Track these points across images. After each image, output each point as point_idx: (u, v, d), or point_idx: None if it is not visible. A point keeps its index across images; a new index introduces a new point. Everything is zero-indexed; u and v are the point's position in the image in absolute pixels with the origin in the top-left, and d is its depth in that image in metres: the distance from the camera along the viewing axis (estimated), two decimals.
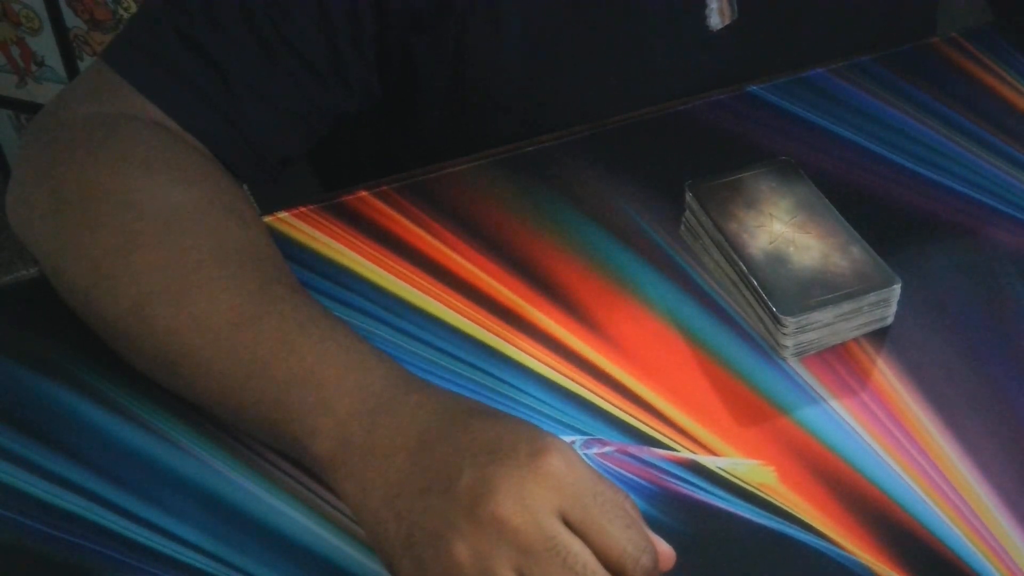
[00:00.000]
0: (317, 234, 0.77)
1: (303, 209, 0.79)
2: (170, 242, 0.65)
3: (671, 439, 0.68)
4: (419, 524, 0.54)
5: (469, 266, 0.76)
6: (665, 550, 0.56)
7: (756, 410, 0.69)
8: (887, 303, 0.72)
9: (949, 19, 1.05)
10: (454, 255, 0.76)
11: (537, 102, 0.86)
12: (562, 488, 0.54)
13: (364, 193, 0.80)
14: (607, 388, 0.70)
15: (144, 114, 0.73)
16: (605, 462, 0.66)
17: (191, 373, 0.63)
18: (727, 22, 0.84)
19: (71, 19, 1.67)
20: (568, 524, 0.54)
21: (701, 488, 0.65)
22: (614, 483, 0.56)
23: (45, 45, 1.71)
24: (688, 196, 0.77)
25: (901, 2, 0.95)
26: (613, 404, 0.69)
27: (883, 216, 0.80)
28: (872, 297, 0.71)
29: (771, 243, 0.73)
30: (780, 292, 0.70)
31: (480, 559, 0.52)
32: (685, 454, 0.67)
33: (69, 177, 0.69)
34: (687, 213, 0.77)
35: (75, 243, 0.67)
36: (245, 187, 0.76)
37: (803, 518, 0.64)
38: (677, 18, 0.85)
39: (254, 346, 0.62)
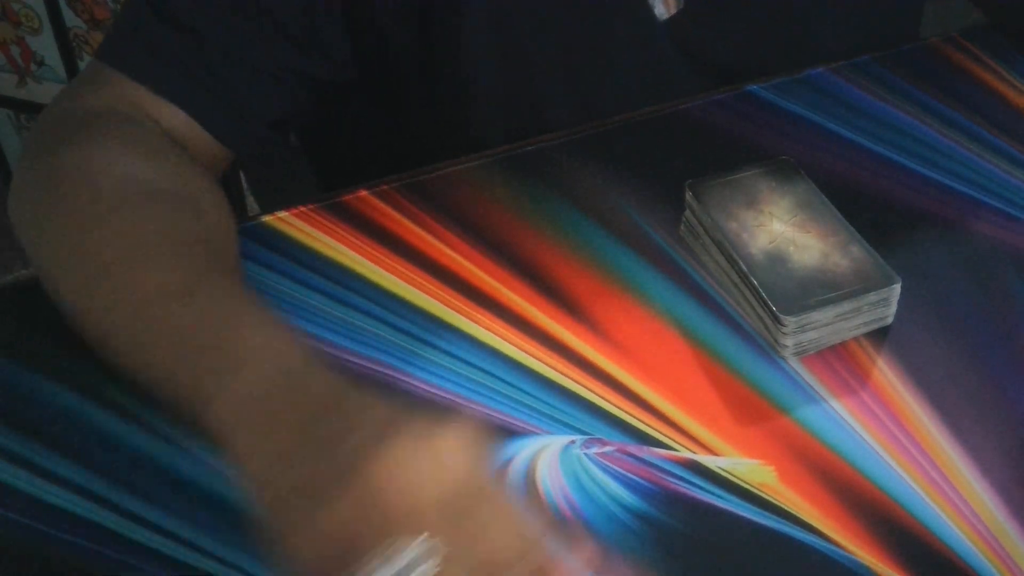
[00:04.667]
0: (317, 234, 0.77)
1: (303, 209, 0.79)
2: (117, 222, 0.66)
3: (671, 439, 0.68)
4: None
5: (469, 266, 0.76)
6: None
7: (756, 410, 0.69)
8: (887, 302, 0.72)
9: (943, 20, 1.05)
10: (454, 255, 0.76)
11: (507, 81, 0.87)
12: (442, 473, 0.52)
13: (364, 193, 0.80)
14: (607, 388, 0.70)
15: (132, 101, 0.74)
16: (605, 462, 0.66)
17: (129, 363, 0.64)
18: (673, 12, 0.85)
19: (71, 19, 1.67)
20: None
21: (701, 488, 0.65)
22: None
23: (45, 45, 1.71)
24: (688, 196, 0.77)
25: (884, 5, 0.96)
26: (613, 404, 0.69)
27: (883, 216, 0.80)
28: (872, 296, 0.71)
29: (771, 243, 0.73)
30: (780, 292, 0.70)
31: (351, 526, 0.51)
32: (685, 454, 0.67)
33: (45, 168, 0.71)
34: (687, 213, 0.77)
35: (40, 224, 0.69)
36: (221, 188, 0.75)
37: (803, 518, 0.64)
38: (635, 9, 0.85)
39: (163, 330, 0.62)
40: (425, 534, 0.50)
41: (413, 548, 0.50)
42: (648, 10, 0.85)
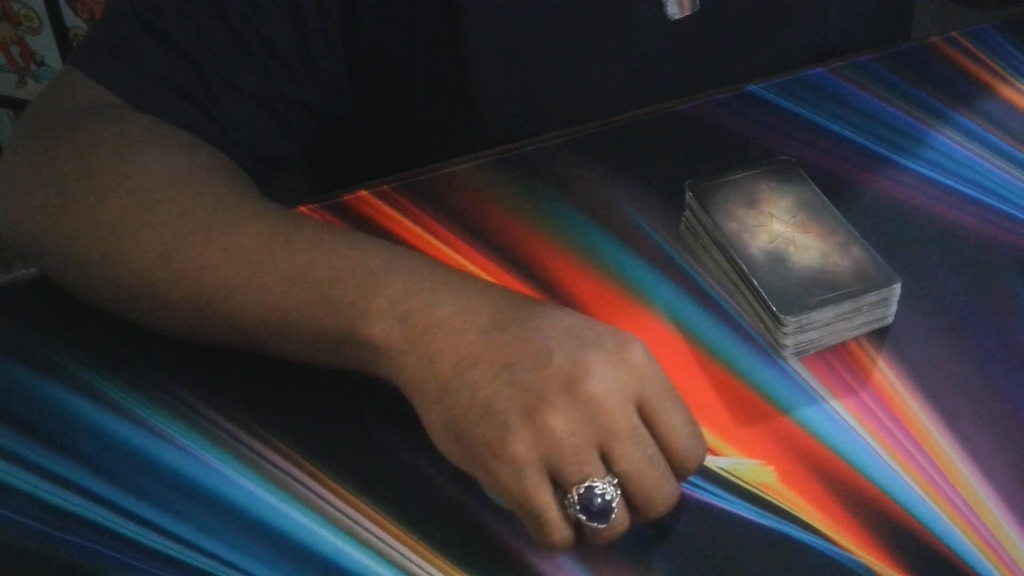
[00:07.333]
0: None
1: (303, 209, 0.79)
2: (185, 193, 0.66)
3: None
4: (503, 395, 0.56)
5: (469, 266, 0.76)
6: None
7: (756, 410, 0.69)
8: (887, 303, 0.72)
9: (943, 20, 1.05)
10: (454, 255, 0.76)
11: (513, 91, 0.86)
12: (645, 379, 0.58)
13: (364, 193, 0.80)
14: None
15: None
16: None
17: (227, 307, 0.64)
18: (687, 13, 0.84)
19: (71, 19, 1.67)
20: (641, 413, 0.57)
21: (701, 488, 0.65)
22: None
23: (45, 44, 1.72)
24: (688, 196, 0.77)
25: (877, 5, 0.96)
26: None
27: (883, 216, 0.80)
28: (872, 297, 0.71)
29: (771, 243, 0.73)
30: (780, 292, 0.70)
31: (573, 434, 0.55)
32: None
33: (66, 160, 0.69)
34: (687, 213, 0.77)
35: (85, 215, 0.67)
36: None
37: (803, 518, 0.64)
38: (634, 8, 0.85)
39: (290, 257, 0.63)
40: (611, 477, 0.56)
41: (604, 486, 0.56)
42: (650, 8, 0.85)
